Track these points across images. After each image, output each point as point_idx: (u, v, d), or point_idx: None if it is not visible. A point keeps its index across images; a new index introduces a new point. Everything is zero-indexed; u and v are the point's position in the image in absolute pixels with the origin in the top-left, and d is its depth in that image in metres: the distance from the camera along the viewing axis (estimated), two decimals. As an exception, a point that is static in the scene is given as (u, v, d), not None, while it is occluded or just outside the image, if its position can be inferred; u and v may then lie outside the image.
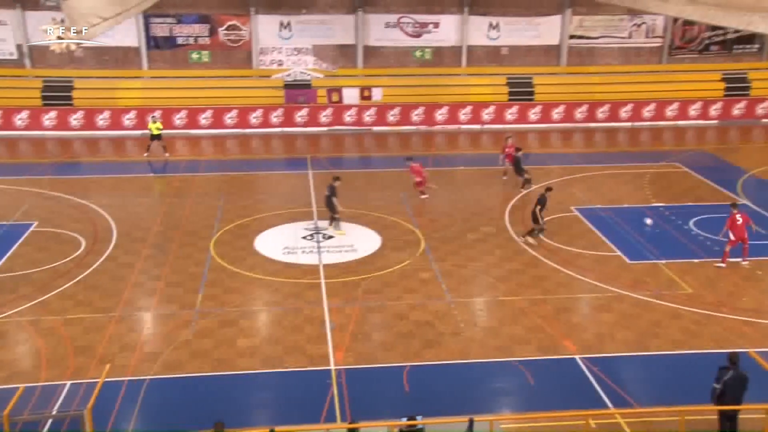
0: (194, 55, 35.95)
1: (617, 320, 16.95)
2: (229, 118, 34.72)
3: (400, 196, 25.45)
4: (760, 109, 36.87)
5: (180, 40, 35.58)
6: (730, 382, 11.96)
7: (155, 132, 30.19)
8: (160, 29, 35.28)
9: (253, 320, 17.15)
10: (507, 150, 26.76)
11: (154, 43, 35.40)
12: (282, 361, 15.20)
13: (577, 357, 15.30)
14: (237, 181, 27.17)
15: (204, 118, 34.32)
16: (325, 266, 19.67)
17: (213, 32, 35.64)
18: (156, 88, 35.32)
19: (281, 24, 35.88)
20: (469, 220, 23.18)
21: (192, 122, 34.32)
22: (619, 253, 20.71)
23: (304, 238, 21.66)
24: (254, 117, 34.81)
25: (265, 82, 35.98)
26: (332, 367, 14.88)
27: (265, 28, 35.80)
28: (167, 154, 29.98)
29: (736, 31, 36.33)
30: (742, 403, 12.06)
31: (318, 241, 21.34)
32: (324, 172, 28.45)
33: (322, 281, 18.79)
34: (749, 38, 38.08)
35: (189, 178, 27.67)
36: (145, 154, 30.10)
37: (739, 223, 19.48)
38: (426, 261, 20.11)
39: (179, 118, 34.39)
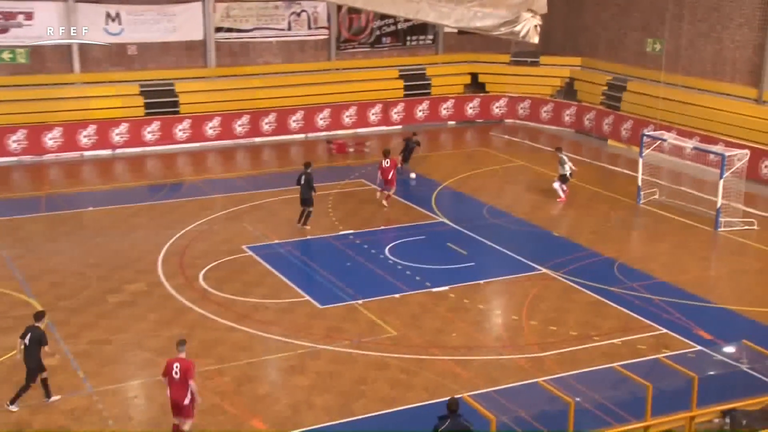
0: None
1: (314, 383, 17.42)
2: None
3: (2, 255, 23.58)
4: (443, 110, 40.98)
5: None
6: (443, 434, 12.81)
7: None
8: None
9: None
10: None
11: None
12: None
13: (269, 439, 15.42)
14: None
15: None
16: None
17: None
18: None
19: None
20: (109, 278, 22.51)
21: None
22: (307, 297, 21.35)
23: None
24: None
25: None
26: None
27: None
28: None
29: (407, 20, 39.96)
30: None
31: None
32: None
33: None
34: (422, 28, 42.25)
35: None
36: None
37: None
38: (51, 341, 18.72)
39: None
